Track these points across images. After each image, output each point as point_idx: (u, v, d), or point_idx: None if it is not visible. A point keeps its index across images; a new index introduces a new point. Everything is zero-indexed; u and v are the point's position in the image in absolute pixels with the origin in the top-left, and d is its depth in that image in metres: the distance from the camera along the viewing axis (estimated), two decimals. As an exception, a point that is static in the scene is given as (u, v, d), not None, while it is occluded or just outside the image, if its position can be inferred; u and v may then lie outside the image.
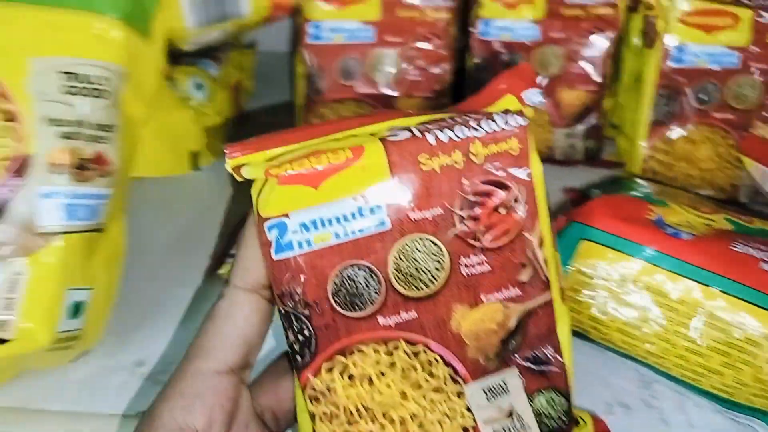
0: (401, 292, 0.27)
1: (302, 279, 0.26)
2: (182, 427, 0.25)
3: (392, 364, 0.27)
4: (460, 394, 0.27)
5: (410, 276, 0.27)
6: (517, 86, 0.29)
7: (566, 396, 0.29)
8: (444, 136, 0.27)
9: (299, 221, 0.26)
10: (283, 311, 0.26)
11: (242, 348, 0.27)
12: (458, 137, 0.27)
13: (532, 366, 0.28)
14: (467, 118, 0.27)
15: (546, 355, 0.28)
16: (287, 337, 0.26)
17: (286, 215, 0.26)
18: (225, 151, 0.26)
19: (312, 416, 0.27)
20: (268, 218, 0.26)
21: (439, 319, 0.27)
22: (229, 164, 0.26)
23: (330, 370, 0.26)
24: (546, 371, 0.28)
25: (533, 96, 0.29)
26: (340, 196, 0.26)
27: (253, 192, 0.26)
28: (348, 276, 0.26)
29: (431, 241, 0.27)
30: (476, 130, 0.27)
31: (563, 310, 0.29)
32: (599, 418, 0.32)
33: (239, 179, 0.26)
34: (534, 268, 0.28)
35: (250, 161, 0.26)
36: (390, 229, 0.26)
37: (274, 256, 0.26)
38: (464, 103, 0.29)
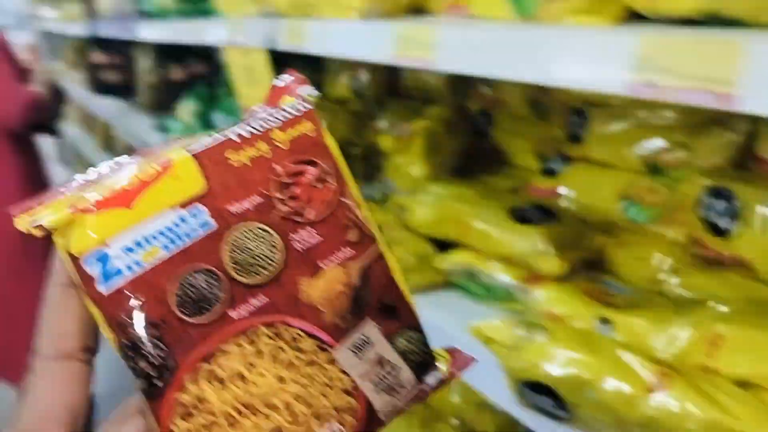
0: (245, 282, 0.27)
1: (142, 301, 0.25)
2: None
3: (259, 352, 0.27)
4: (332, 361, 0.28)
5: (249, 265, 0.27)
6: (292, 88, 0.31)
7: (420, 330, 0.31)
8: (245, 131, 0.28)
9: (121, 246, 0.25)
10: (128, 343, 0.25)
11: (69, 421, 0.25)
12: (258, 130, 0.28)
13: (384, 313, 0.30)
14: (263, 114, 0.29)
15: (392, 300, 0.31)
16: (137, 367, 0.25)
17: (105, 244, 0.25)
18: (12, 214, 0.24)
19: None
20: (84, 253, 0.25)
21: (289, 296, 0.28)
22: (24, 223, 0.24)
23: (195, 381, 0.26)
24: (397, 314, 0.31)
25: (306, 91, 0.31)
26: (158, 210, 0.26)
27: (58, 240, 0.25)
28: (188, 284, 0.26)
29: (259, 227, 0.28)
30: (273, 121, 0.29)
31: (392, 257, 0.31)
32: (454, 348, 0.35)
33: (40, 234, 0.25)
34: (358, 227, 0.30)
35: (50, 210, 0.25)
36: (216, 227, 0.27)
37: (104, 290, 0.25)
38: (250, 117, 0.31)
